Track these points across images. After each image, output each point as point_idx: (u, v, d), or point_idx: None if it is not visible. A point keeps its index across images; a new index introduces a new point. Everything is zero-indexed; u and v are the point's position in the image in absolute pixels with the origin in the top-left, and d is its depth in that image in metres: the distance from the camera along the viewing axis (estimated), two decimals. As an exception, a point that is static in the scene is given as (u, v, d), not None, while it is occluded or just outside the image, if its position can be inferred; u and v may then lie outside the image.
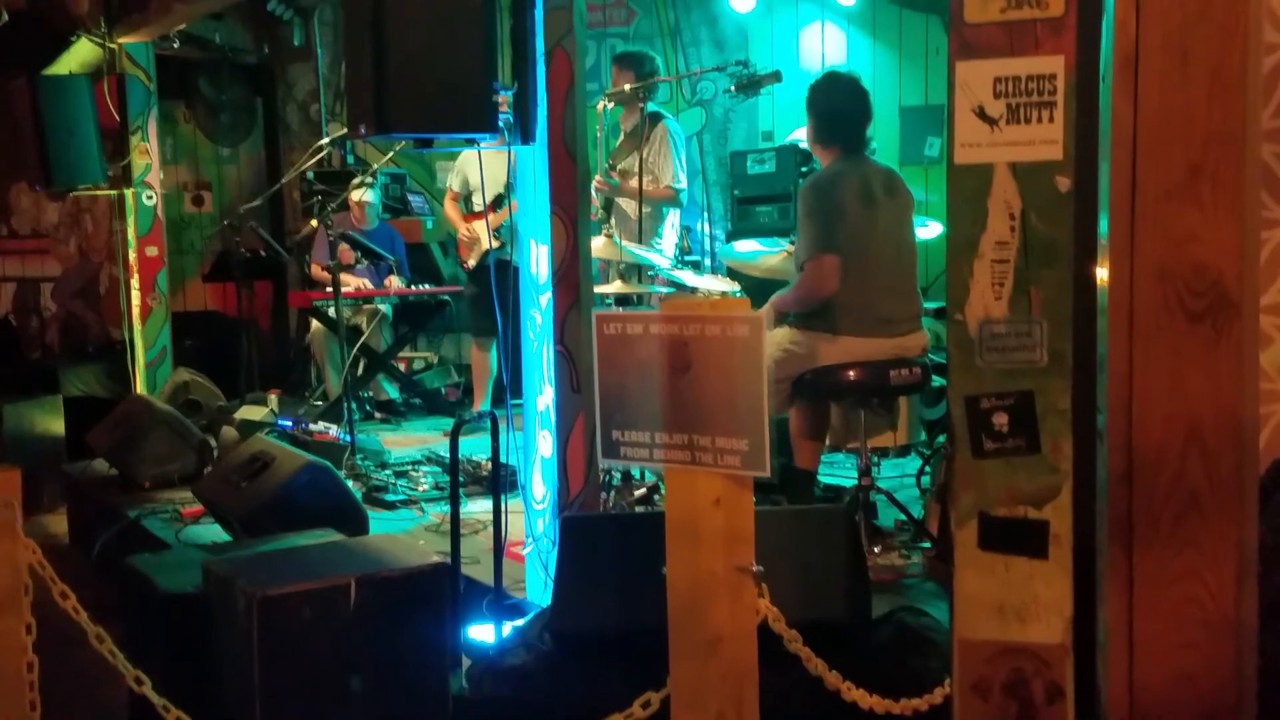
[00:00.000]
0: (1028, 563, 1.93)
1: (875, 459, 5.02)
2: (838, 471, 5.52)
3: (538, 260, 3.83)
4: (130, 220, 7.08)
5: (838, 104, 4.44)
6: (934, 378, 4.55)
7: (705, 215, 8.27)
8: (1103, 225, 1.88)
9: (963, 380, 1.97)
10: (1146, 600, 1.87)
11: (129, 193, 7.03)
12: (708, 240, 8.26)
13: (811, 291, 4.29)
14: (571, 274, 3.78)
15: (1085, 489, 1.93)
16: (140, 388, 7.08)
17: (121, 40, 6.90)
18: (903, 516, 4.39)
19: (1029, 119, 1.90)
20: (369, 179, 7.28)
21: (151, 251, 7.14)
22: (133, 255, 7.09)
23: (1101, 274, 1.90)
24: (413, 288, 7.66)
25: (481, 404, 7.03)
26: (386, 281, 7.66)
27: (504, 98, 3.72)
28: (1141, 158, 1.81)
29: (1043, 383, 1.92)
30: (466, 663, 3.42)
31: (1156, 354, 1.84)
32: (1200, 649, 1.89)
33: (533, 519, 3.94)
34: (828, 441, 4.80)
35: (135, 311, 7.12)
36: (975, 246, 1.94)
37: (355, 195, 7.15)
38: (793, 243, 4.82)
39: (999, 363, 1.94)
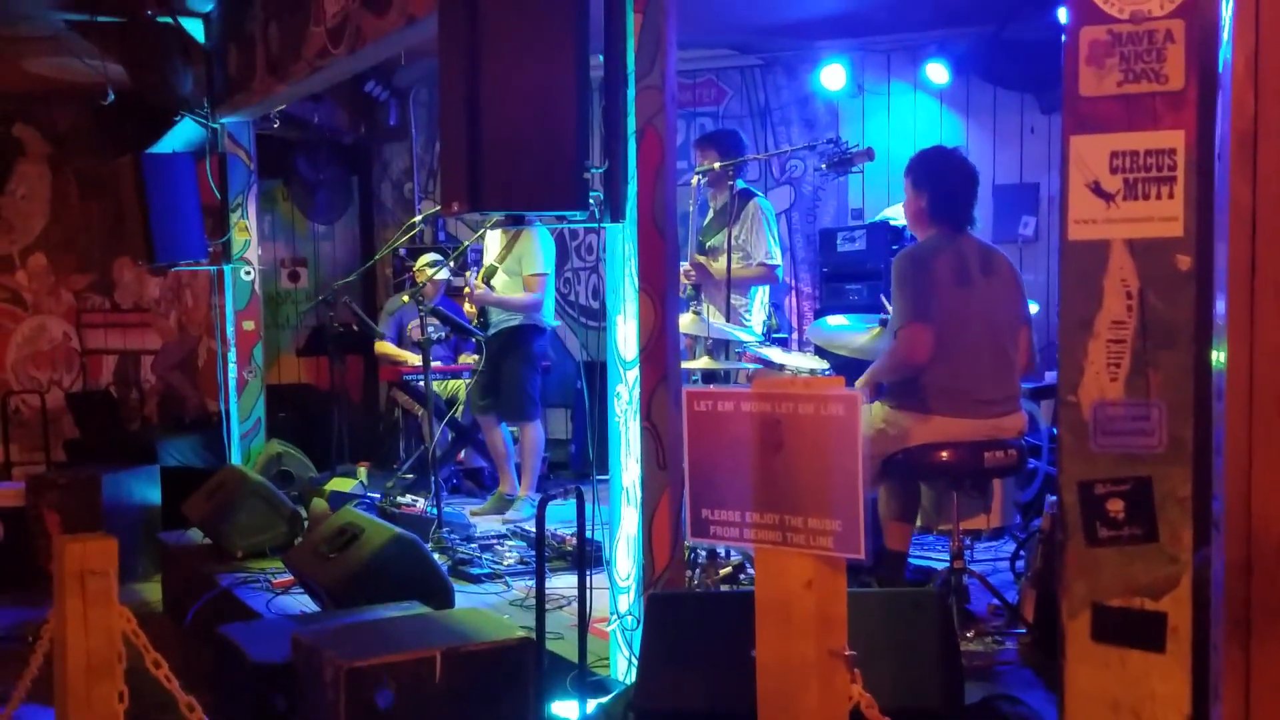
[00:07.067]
0: (1144, 656, 1.85)
1: (968, 541, 4.92)
2: (929, 554, 5.42)
3: (625, 337, 3.84)
4: (229, 295, 7.25)
5: (952, 185, 4.39)
6: (1029, 460, 4.46)
7: (793, 293, 8.26)
8: (1219, 306, 1.82)
9: (1076, 465, 1.91)
10: (1265, 698, 1.77)
11: (228, 268, 7.21)
12: (795, 318, 8.23)
13: (904, 359, 4.25)
14: (659, 351, 3.78)
15: (1198, 581, 1.85)
16: (235, 459, 7.20)
17: (224, 120, 7.12)
18: (996, 601, 4.29)
19: (1147, 195, 1.84)
20: (438, 258, 7.34)
21: (248, 326, 7.29)
22: (230, 329, 7.25)
23: (1218, 357, 1.83)
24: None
25: (511, 488, 6.86)
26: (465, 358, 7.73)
27: (594, 175, 3.76)
28: (1261, 239, 1.75)
29: (1161, 469, 1.85)
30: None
31: (1278, 440, 1.76)
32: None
33: (617, 595, 3.91)
34: (919, 522, 4.71)
35: (232, 384, 7.26)
36: (1090, 326, 1.89)
37: (430, 273, 7.10)
38: (883, 320, 4.78)
39: (1114, 447, 1.87)
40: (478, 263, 7.25)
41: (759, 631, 2.16)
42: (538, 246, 6.52)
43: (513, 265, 6.57)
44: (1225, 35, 1.79)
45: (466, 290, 6.65)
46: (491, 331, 6.71)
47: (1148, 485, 1.86)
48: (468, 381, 7.55)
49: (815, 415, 2.05)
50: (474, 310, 6.79)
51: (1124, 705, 1.89)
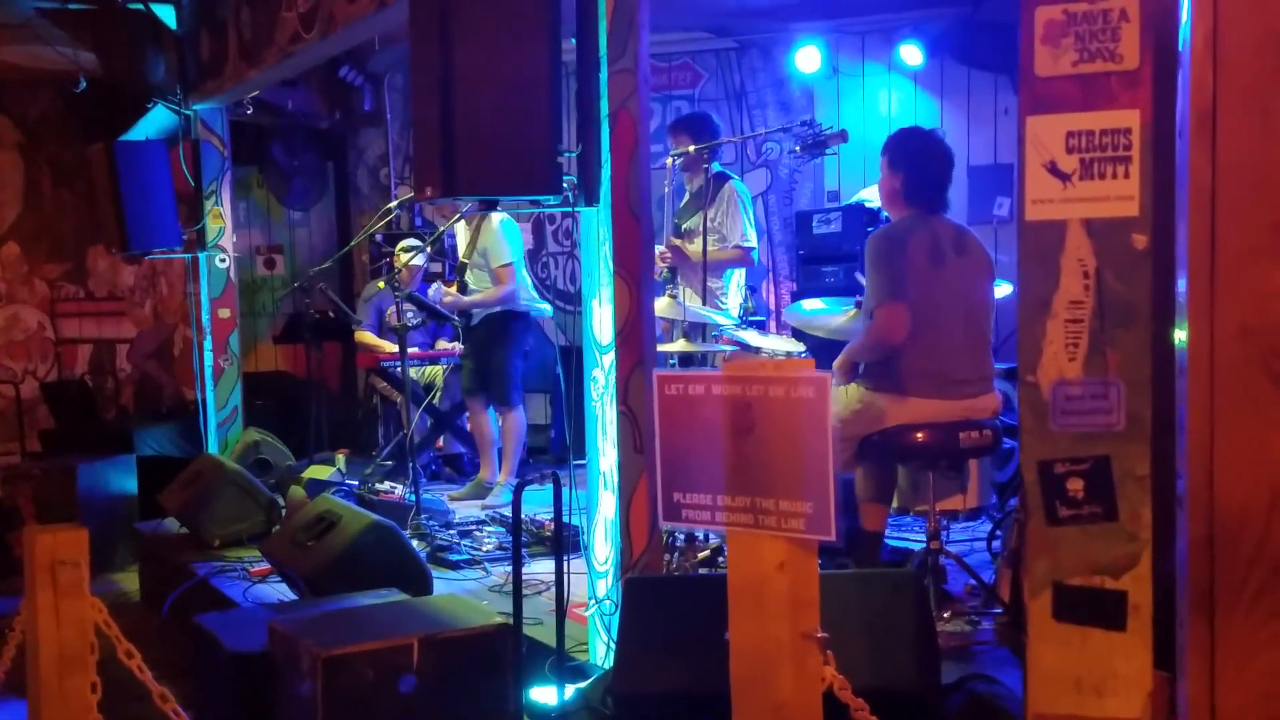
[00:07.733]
0: (1105, 635, 1.85)
1: (944, 522, 4.93)
2: (906, 534, 5.43)
3: (600, 321, 3.83)
4: (204, 283, 7.21)
5: (928, 166, 4.39)
6: (1004, 440, 4.47)
7: (770, 275, 8.26)
8: (1180, 284, 1.82)
9: (1036, 444, 1.91)
10: (1229, 672, 1.78)
11: (203, 256, 7.17)
12: (772, 300, 8.24)
13: (882, 339, 4.25)
14: (635, 335, 3.77)
15: (1163, 556, 1.86)
16: (211, 447, 7.17)
17: (197, 107, 7.07)
18: (973, 581, 4.31)
19: (1103, 174, 1.85)
20: (416, 244, 7.31)
21: (224, 313, 7.25)
22: (206, 317, 7.21)
23: (1179, 334, 1.83)
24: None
25: (492, 475, 6.86)
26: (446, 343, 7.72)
27: (569, 160, 3.75)
28: (1221, 216, 1.75)
29: (1120, 447, 1.85)
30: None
31: (1239, 416, 1.76)
32: (1288, 724, 1.80)
33: (595, 580, 3.91)
34: (896, 503, 4.72)
35: (208, 372, 7.22)
36: (1048, 306, 1.89)
37: (405, 259, 7.07)
38: (858, 303, 4.78)
39: (1073, 426, 1.88)
40: (455, 249, 7.25)
41: (731, 614, 2.16)
42: (501, 238, 6.54)
43: (480, 260, 6.61)
44: (1184, 14, 1.79)
45: (444, 297, 6.71)
46: (475, 320, 6.73)
47: (1107, 464, 1.86)
48: (446, 367, 7.54)
49: (785, 398, 2.04)
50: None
51: (1086, 684, 1.90)
